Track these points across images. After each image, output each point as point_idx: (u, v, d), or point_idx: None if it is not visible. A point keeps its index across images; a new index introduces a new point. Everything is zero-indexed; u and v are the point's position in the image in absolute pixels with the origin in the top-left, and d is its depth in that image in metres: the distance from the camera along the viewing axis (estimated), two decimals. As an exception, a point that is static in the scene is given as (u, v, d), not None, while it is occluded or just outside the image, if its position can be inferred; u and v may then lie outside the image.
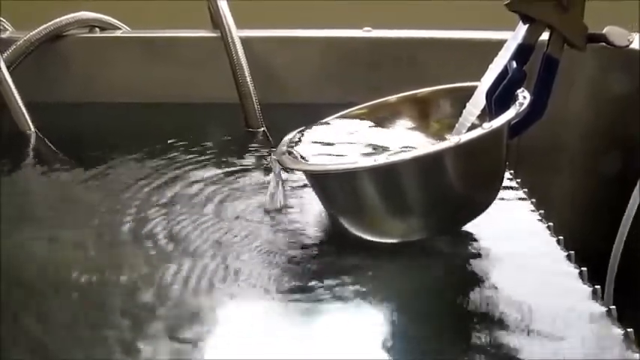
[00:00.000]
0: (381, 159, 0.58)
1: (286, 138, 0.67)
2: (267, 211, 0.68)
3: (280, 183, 0.69)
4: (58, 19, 1.01)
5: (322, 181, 0.63)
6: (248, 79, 0.93)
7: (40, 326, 0.53)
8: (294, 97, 0.99)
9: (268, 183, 0.70)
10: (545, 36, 0.62)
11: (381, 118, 0.70)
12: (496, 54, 0.66)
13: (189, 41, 1.02)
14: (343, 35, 1.02)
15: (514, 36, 0.64)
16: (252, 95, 0.93)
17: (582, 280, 0.58)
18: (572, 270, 0.59)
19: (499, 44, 0.66)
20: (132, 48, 1.02)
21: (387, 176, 0.58)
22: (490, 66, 0.65)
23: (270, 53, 1.00)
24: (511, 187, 0.72)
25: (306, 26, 1.03)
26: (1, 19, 1.03)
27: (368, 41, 1.01)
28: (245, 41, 0.95)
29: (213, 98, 0.97)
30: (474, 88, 0.66)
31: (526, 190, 0.73)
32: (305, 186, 0.71)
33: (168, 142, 0.86)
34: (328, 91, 0.97)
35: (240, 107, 0.93)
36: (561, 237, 0.64)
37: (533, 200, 0.70)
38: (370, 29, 1.02)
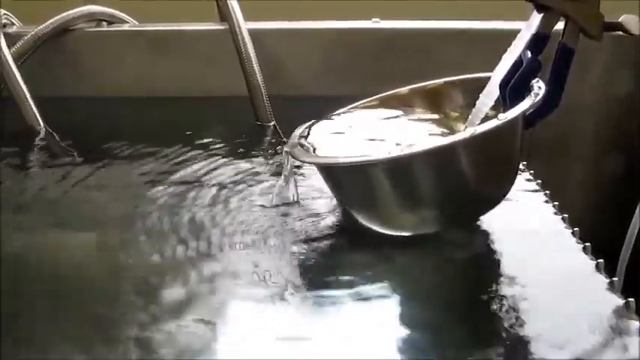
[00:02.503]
0: (395, 151, 0.57)
1: (298, 130, 0.66)
2: (278, 205, 0.68)
3: (292, 176, 0.68)
4: (65, 13, 1.00)
5: (335, 174, 0.62)
6: (257, 72, 0.92)
7: (48, 321, 0.52)
8: (302, 90, 0.98)
9: (280, 177, 0.69)
10: (559, 25, 0.62)
11: (393, 109, 0.70)
12: (507, 45, 0.65)
13: (197, 34, 1.01)
14: (352, 27, 1.01)
15: (528, 25, 0.63)
16: (262, 89, 0.92)
17: (599, 272, 0.57)
18: (589, 262, 0.58)
19: (510, 35, 0.65)
20: (140, 42, 1.01)
21: (401, 169, 0.57)
22: (504, 56, 0.64)
23: (278, 46, 0.99)
24: (525, 179, 0.72)
25: (314, 18, 1.02)
26: (8, 14, 1.03)
27: (377, 32, 1.00)
28: (253, 34, 0.94)
29: (222, 92, 0.96)
30: (487, 79, 0.65)
31: (540, 181, 0.72)
32: (317, 179, 0.69)
33: (177, 137, 0.86)
34: (337, 84, 0.96)
35: (249, 101, 0.93)
36: (577, 229, 0.63)
37: (547, 192, 0.70)
38: (379, 20, 1.01)
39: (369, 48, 0.99)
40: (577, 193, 0.96)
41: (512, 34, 0.65)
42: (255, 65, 0.92)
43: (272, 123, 0.92)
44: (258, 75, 0.92)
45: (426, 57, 0.96)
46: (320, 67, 0.99)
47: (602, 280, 0.56)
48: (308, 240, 0.61)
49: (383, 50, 0.98)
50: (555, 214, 0.66)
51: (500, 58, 0.65)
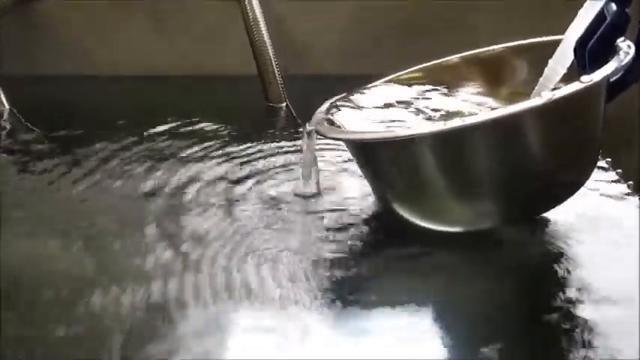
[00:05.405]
0: (449, 123, 0.49)
1: (324, 106, 0.60)
2: (300, 195, 0.62)
3: (314, 162, 0.62)
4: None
5: (371, 154, 0.55)
6: (268, 44, 0.86)
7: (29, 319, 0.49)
8: (318, 68, 0.93)
9: (299, 162, 0.63)
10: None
11: (439, 82, 0.63)
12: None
13: (200, 5, 0.94)
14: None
15: None
16: (274, 66, 0.87)
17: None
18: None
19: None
20: (135, 13, 0.94)
21: (455, 146, 0.49)
22: (579, 12, 0.56)
23: (291, 19, 0.93)
24: (600, 167, 0.64)
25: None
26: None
27: (401, 6, 0.92)
28: (263, 6, 0.88)
29: (229, 70, 0.91)
30: (557, 42, 0.57)
31: (620, 170, 0.65)
32: (346, 162, 0.65)
33: (175, 119, 0.80)
34: (357, 61, 0.90)
35: (259, 80, 0.87)
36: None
37: (631, 183, 0.63)
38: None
39: (393, 22, 0.92)
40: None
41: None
42: (266, 38, 0.86)
43: (284, 104, 0.86)
44: (269, 48, 0.86)
45: (457, 31, 0.90)
46: (339, 43, 0.93)
47: None
48: (334, 237, 0.57)
49: (409, 24, 0.92)
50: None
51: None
